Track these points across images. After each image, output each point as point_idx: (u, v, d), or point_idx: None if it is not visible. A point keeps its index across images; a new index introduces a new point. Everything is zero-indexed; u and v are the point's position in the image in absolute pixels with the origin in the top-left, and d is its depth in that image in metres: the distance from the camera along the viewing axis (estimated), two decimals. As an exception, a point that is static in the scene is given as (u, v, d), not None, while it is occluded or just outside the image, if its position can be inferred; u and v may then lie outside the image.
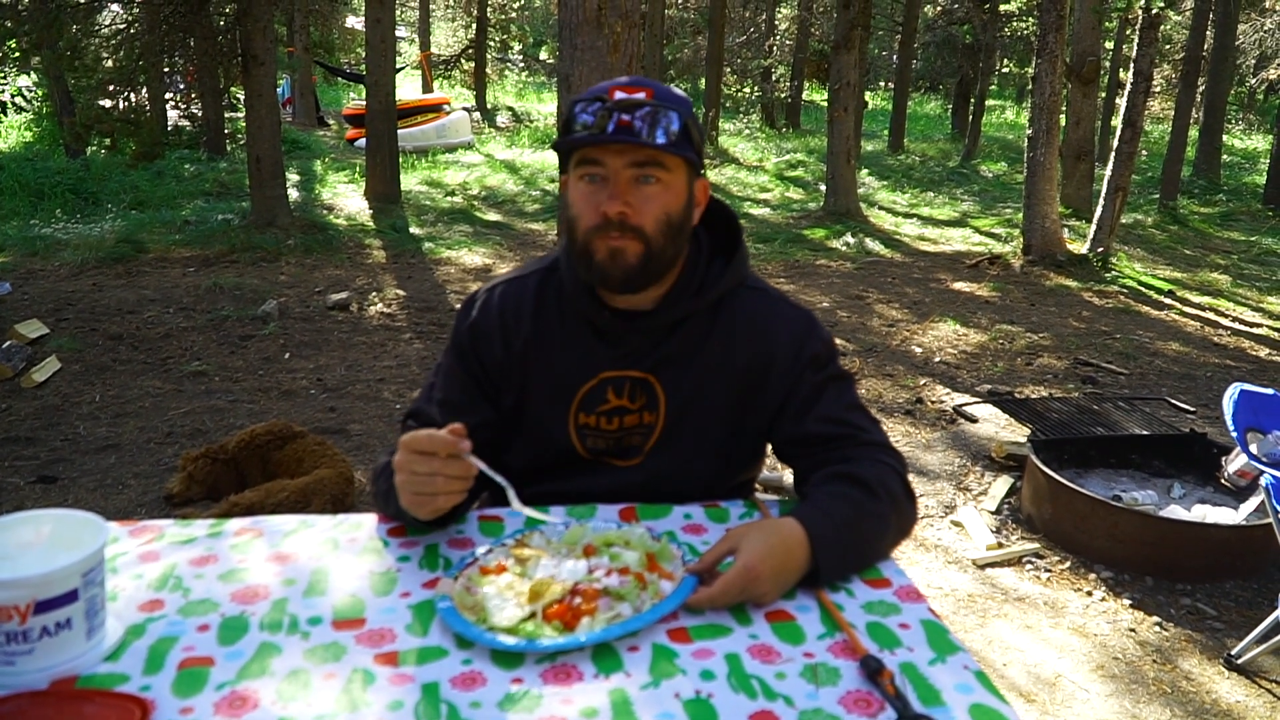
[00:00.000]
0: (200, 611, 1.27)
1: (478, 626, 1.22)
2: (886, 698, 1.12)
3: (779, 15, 26.08)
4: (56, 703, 1.07)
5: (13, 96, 14.85)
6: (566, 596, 1.27)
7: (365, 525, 1.53)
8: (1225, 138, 19.17)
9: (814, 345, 1.66)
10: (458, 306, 1.77)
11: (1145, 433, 4.69)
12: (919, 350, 6.81)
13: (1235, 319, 8.14)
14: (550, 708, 1.10)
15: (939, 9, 24.32)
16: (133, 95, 9.96)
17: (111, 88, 9.58)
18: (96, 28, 9.62)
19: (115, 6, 10.04)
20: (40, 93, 14.79)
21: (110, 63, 9.50)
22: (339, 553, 1.44)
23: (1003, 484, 4.55)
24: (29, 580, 1.09)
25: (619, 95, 1.50)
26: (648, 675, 1.16)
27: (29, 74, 14.20)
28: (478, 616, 1.25)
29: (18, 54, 9.16)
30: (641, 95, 1.51)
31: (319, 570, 1.39)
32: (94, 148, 11.52)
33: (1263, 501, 3.62)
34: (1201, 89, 16.31)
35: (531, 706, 1.10)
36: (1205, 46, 15.51)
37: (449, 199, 12.84)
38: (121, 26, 9.74)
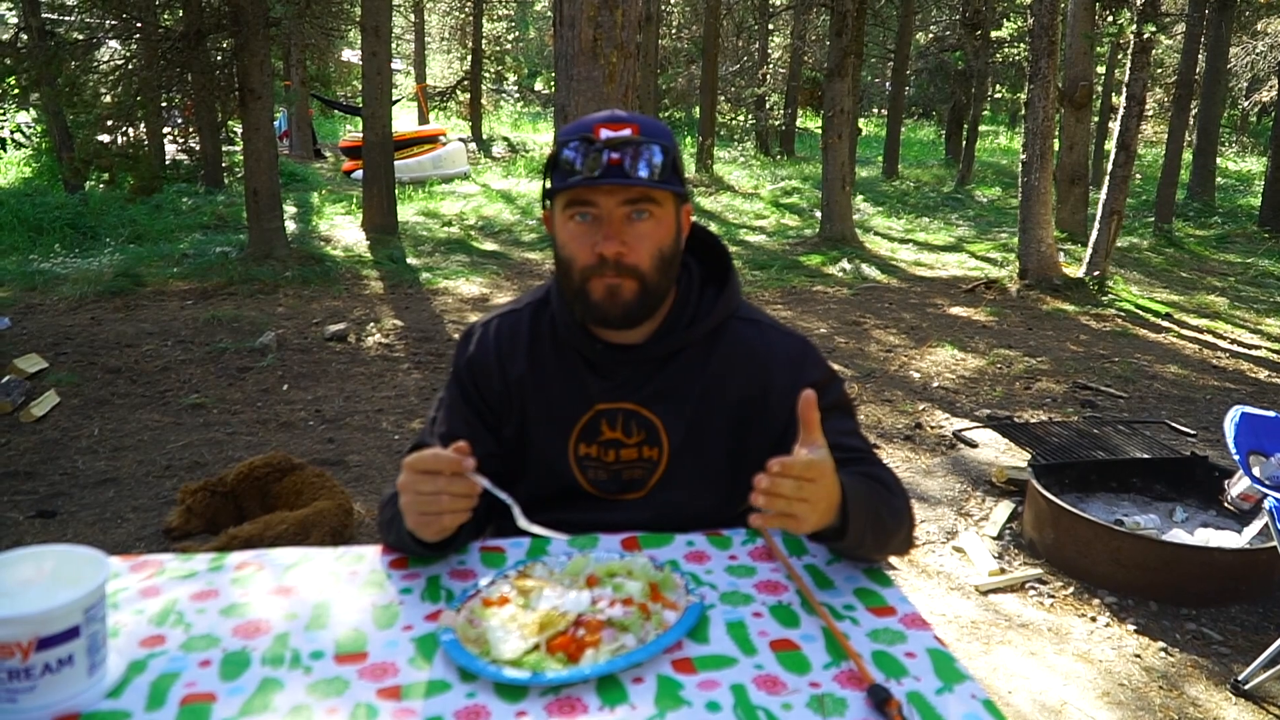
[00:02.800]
0: (202, 647, 1.26)
1: (481, 659, 1.22)
2: (894, 728, 1.11)
3: (772, 44, 26.25)
4: (58, 741, 1.06)
5: (12, 133, 14.89)
6: (570, 628, 1.26)
7: (367, 557, 1.52)
8: (1219, 160, 19.28)
9: (812, 373, 1.66)
10: (456, 337, 1.80)
11: (1146, 456, 4.68)
12: (917, 375, 6.81)
13: (1233, 341, 8.15)
14: (555, 741, 1.09)
15: (931, 36, 24.53)
16: (131, 130, 9.99)
17: (110, 123, 9.61)
18: (95, 64, 9.67)
19: (113, 43, 10.08)
20: (39, 128, 14.84)
21: (108, 98, 9.54)
22: (340, 586, 1.43)
23: (1004, 509, 4.54)
24: (31, 617, 1.08)
25: (605, 134, 1.51)
26: (653, 707, 1.15)
27: (28, 110, 14.25)
28: (481, 649, 1.24)
29: (17, 91, 9.22)
30: (628, 132, 1.52)
31: (321, 604, 1.38)
32: (92, 182, 11.54)
33: (1266, 524, 3.61)
34: (1195, 112, 16.38)
35: (536, 740, 1.09)
36: (1197, 70, 15.60)
37: (446, 229, 12.88)
38: (120, 62, 9.79)
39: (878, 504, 1.49)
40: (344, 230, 12.20)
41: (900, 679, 1.22)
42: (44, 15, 11.47)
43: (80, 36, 9.37)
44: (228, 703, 1.15)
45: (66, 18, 10.90)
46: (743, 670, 1.23)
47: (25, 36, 9.68)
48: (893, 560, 4.06)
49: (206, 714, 1.12)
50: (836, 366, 6.71)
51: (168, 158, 12.37)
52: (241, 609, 1.36)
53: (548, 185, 1.58)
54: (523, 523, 1.42)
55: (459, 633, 1.27)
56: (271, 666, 1.22)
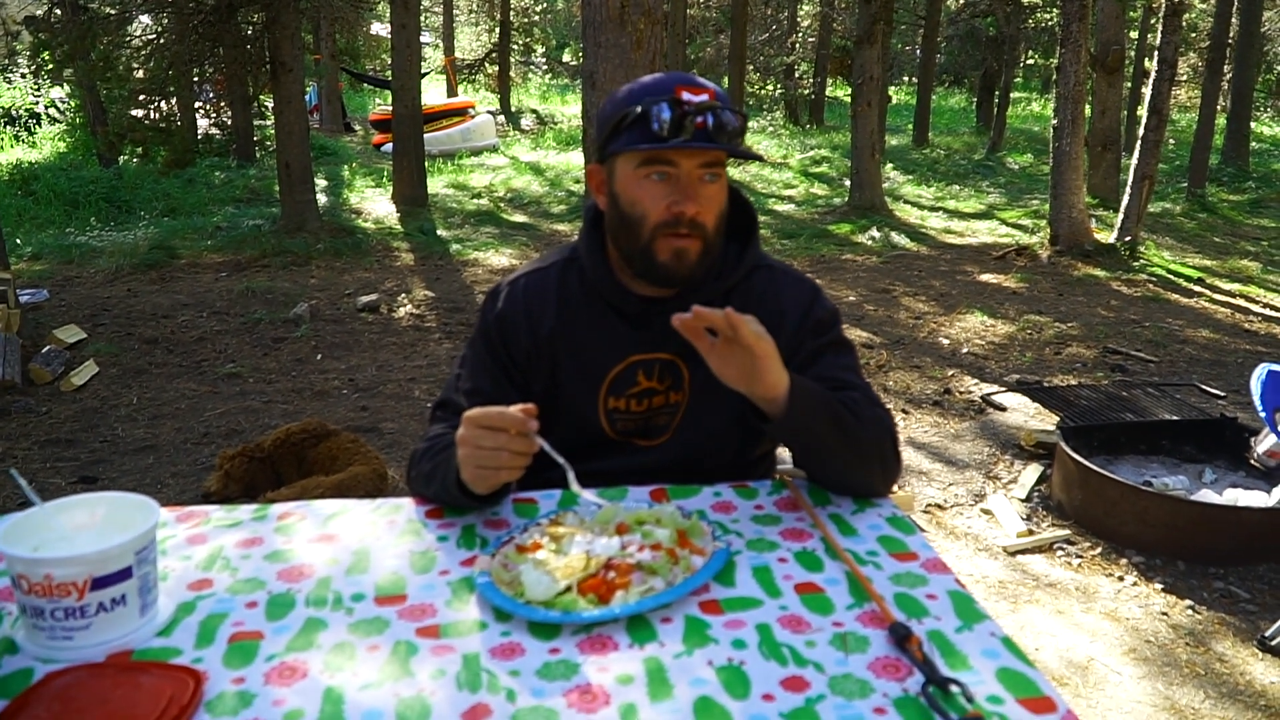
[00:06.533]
0: (248, 590, 1.32)
1: (516, 600, 1.26)
2: (914, 663, 1.14)
3: (801, 11, 26.02)
4: (114, 674, 1.11)
5: (47, 108, 15.06)
6: (601, 571, 1.31)
7: (404, 508, 1.57)
8: (1253, 125, 18.96)
9: (818, 312, 1.74)
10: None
11: (1175, 418, 4.67)
12: (947, 342, 6.80)
13: (1266, 305, 8.07)
14: (587, 675, 1.13)
15: (962, 2, 24.21)
16: (164, 104, 10.09)
17: (143, 97, 9.71)
18: (127, 39, 9.74)
19: (145, 18, 10.16)
20: (74, 104, 15.00)
21: (141, 73, 9.63)
22: (379, 534, 1.48)
23: (1032, 472, 4.55)
24: (86, 557, 1.13)
25: (687, 96, 1.54)
26: (681, 645, 1.19)
27: (62, 85, 14.40)
28: (515, 591, 1.28)
29: (51, 66, 9.31)
30: (706, 97, 1.56)
31: (361, 550, 1.43)
32: (126, 157, 11.69)
33: (1295, 484, 3.61)
34: (1228, 76, 16.10)
35: (569, 674, 1.13)
36: (1231, 33, 15.33)
37: (475, 201, 12.93)
38: (152, 37, 9.86)
39: (837, 407, 1.55)
40: (374, 203, 12.28)
41: (921, 619, 1.25)
42: (77, -10, 11.57)
43: (113, 11, 9.43)
44: (274, 640, 1.19)
45: (99, -8, 10.97)
46: (768, 611, 1.27)
47: (59, 11, 9.75)
48: (920, 523, 4.09)
49: (254, 650, 1.17)
50: (866, 334, 6.78)
51: (200, 131, 12.47)
52: (285, 555, 1.41)
53: (615, 140, 1.61)
54: (576, 488, 1.46)
55: (494, 576, 1.31)
56: (315, 607, 1.27)
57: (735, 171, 15.95)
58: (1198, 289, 8.59)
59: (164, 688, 1.07)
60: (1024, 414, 5.33)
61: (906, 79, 34.87)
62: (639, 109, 1.55)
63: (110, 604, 1.16)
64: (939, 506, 4.27)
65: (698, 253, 1.60)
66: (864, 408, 1.61)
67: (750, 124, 17.79)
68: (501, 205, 12.82)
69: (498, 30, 26.52)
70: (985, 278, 8.96)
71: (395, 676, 1.12)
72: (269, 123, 12.04)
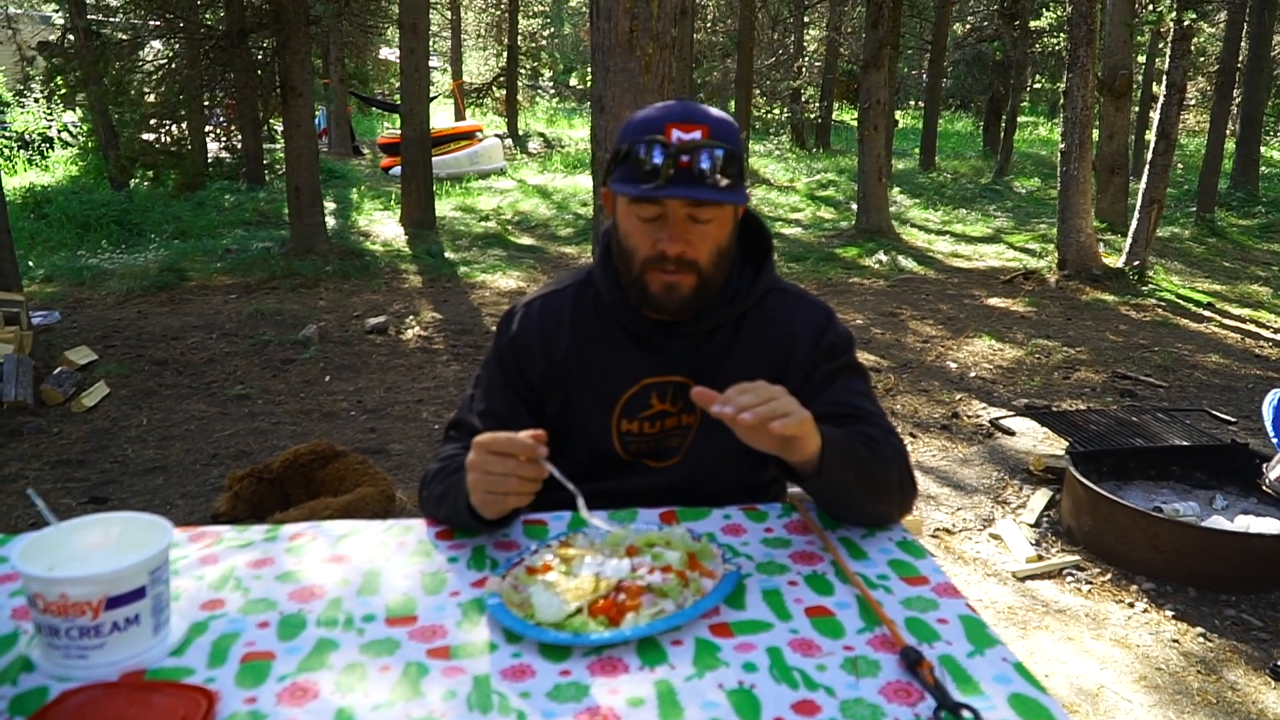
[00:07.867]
0: (260, 610, 1.32)
1: (526, 622, 1.26)
2: (926, 688, 1.14)
3: (807, 36, 26.14)
4: (127, 693, 1.12)
5: (60, 131, 15.18)
6: (611, 593, 1.31)
7: (414, 529, 1.58)
8: (1263, 149, 18.95)
9: (831, 336, 1.74)
10: (494, 329, 1.84)
11: (1186, 444, 4.66)
12: (954, 366, 6.79)
13: (1277, 331, 8.05)
14: (598, 698, 1.13)
15: (968, 26, 24.32)
16: (175, 128, 10.18)
17: (154, 121, 9.81)
18: (139, 64, 9.85)
19: (157, 43, 10.26)
20: (86, 128, 15.11)
21: (153, 97, 9.73)
22: (390, 555, 1.49)
23: (1041, 497, 4.54)
24: (101, 577, 1.14)
25: (676, 134, 1.53)
26: (692, 667, 1.19)
27: (75, 110, 14.52)
28: (525, 613, 1.28)
29: (65, 90, 9.39)
30: (698, 134, 1.54)
31: (371, 571, 1.43)
32: (137, 180, 11.78)
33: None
34: (1237, 100, 16.12)
35: (580, 696, 1.13)
36: (1240, 58, 15.36)
37: (483, 224, 12.97)
38: (163, 62, 9.96)
39: (862, 452, 1.54)
40: (383, 225, 12.34)
41: (932, 643, 1.25)
42: (89, 16, 11.69)
43: (125, 37, 9.54)
44: (286, 660, 1.20)
45: (111, 18, 11.09)
46: (778, 634, 1.27)
47: (72, 37, 9.86)
48: (929, 548, 4.08)
49: (266, 670, 1.18)
50: (873, 358, 6.77)
51: (210, 155, 12.57)
52: (296, 575, 1.42)
53: (611, 174, 1.61)
54: (585, 514, 1.47)
55: (504, 597, 1.32)
56: (326, 628, 1.27)
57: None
58: (1207, 314, 8.57)
59: (177, 707, 1.08)
60: (1033, 439, 5.32)
61: (913, 103, 35.00)
62: (626, 147, 1.56)
63: (124, 623, 1.17)
64: (947, 531, 4.25)
65: (691, 287, 1.60)
66: (882, 445, 1.61)
67: (757, 147, 17.77)
68: (509, 228, 12.87)
69: (505, 55, 26.67)
70: (993, 302, 8.97)
71: (406, 697, 1.13)
72: (279, 146, 12.11)
